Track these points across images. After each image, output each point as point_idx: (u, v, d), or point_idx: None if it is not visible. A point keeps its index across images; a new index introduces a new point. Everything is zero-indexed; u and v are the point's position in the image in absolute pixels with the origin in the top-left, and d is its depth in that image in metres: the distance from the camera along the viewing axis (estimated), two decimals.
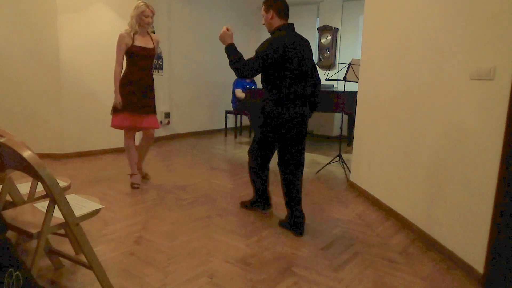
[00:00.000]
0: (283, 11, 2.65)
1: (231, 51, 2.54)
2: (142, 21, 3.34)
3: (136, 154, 3.68)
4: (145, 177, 3.87)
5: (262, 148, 2.79)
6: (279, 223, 2.83)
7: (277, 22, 2.64)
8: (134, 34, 3.37)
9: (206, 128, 7.10)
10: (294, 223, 2.70)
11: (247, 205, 3.15)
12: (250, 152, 2.90)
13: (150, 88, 3.55)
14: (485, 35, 2.09)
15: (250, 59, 2.51)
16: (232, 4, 7.23)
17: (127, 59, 3.45)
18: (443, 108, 2.43)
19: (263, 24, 2.73)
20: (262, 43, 2.58)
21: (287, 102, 2.58)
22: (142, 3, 3.33)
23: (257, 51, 2.54)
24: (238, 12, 7.37)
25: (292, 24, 2.68)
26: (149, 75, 3.54)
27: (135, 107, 3.44)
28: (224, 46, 2.57)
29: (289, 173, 2.71)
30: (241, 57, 2.52)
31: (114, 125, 3.50)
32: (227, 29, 2.57)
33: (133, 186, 3.59)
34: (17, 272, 1.18)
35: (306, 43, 2.71)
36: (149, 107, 3.52)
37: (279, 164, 2.77)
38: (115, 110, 3.44)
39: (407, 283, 2.07)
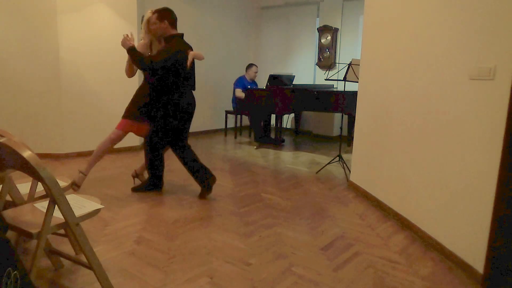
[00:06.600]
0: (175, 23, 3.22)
1: (135, 51, 3.03)
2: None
3: None
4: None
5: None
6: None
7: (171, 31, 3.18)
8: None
9: (206, 128, 7.09)
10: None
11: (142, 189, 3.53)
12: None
13: None
14: (485, 35, 2.09)
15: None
16: (233, 4, 7.23)
17: None
18: (443, 108, 2.43)
19: (152, 27, 3.15)
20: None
21: None
22: (149, 11, 3.24)
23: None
24: (238, 12, 7.36)
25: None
26: None
27: None
28: (127, 48, 3.01)
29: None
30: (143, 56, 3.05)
31: None
32: (127, 35, 3.05)
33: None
34: (15, 272, 1.18)
35: None
36: None
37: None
38: None
39: (407, 283, 2.07)
